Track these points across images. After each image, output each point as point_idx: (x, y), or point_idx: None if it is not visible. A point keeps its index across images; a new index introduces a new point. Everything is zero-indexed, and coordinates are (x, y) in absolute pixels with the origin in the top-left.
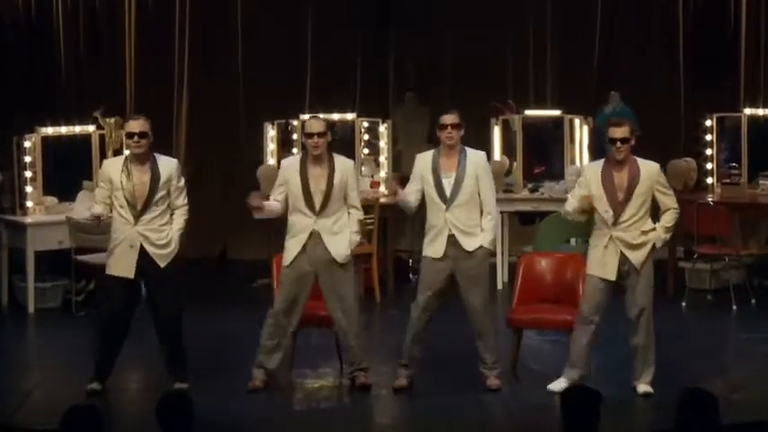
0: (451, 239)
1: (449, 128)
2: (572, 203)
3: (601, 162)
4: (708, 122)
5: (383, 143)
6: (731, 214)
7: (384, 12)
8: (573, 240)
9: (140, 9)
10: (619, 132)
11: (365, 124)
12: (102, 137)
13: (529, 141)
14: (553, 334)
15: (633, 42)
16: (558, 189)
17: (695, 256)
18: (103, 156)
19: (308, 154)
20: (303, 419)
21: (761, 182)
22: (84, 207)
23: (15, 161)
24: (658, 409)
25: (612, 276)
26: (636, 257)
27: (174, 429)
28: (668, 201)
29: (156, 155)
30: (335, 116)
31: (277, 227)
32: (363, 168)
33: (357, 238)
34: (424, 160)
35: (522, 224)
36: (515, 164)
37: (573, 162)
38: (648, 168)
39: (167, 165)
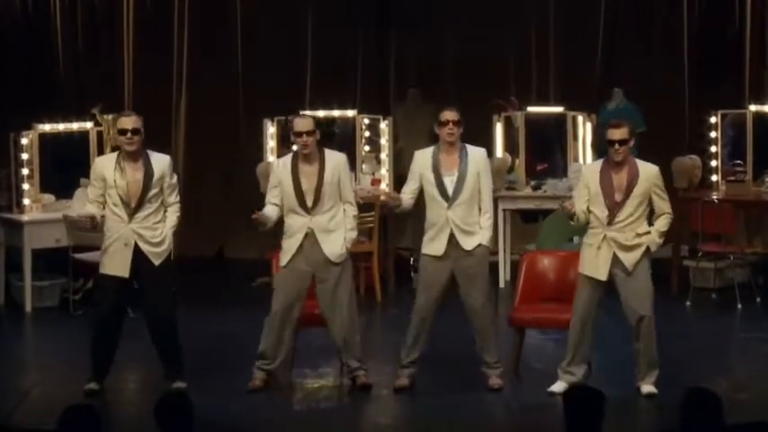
0: (452, 238)
1: (450, 124)
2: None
3: (600, 162)
4: (712, 119)
5: (384, 140)
6: (736, 212)
7: (384, 10)
8: (576, 239)
9: (139, 5)
10: (617, 134)
11: (366, 121)
12: (99, 134)
13: (531, 138)
14: (555, 333)
15: (637, 38)
16: (561, 186)
17: (699, 254)
18: (101, 153)
19: (299, 153)
20: (303, 419)
21: (766, 179)
22: (81, 205)
23: (12, 158)
24: (662, 409)
25: (603, 277)
26: (628, 259)
27: (172, 430)
28: (663, 205)
29: (149, 151)
30: (336, 113)
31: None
32: (364, 166)
33: (353, 234)
34: (423, 158)
35: (524, 222)
36: (518, 161)
37: (576, 159)
38: (647, 170)
39: (160, 161)
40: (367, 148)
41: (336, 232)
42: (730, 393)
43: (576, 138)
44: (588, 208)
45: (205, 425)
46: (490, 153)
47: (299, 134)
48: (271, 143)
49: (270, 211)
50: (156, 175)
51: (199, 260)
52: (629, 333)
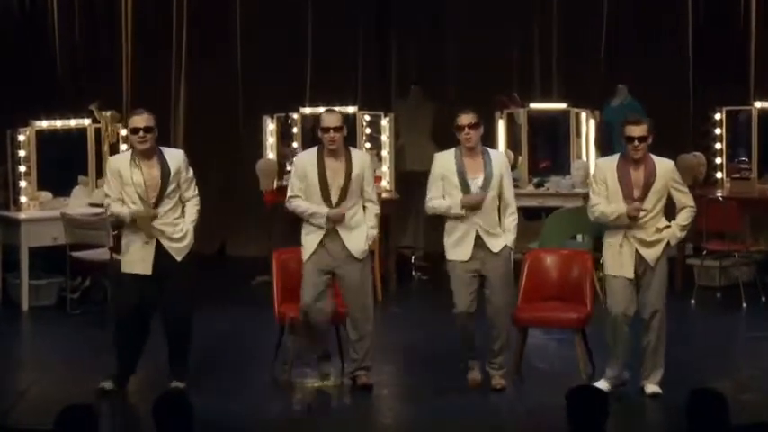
0: (478, 241)
1: (466, 128)
2: (608, 207)
3: (615, 158)
4: (717, 116)
5: (385, 137)
6: (741, 210)
7: (385, 6)
8: (579, 237)
9: (138, 1)
10: (637, 131)
11: (367, 118)
12: (97, 131)
13: (534, 135)
14: (559, 332)
15: (641, 34)
16: (564, 184)
17: (704, 252)
18: (99, 150)
19: (324, 148)
20: (303, 419)
21: None
22: (79, 202)
23: (9, 155)
24: (667, 409)
25: (630, 274)
26: (650, 255)
27: (171, 430)
28: (685, 199)
29: (162, 148)
30: (336, 109)
31: (276, 223)
32: None
33: (374, 232)
34: (444, 161)
35: (527, 220)
36: (520, 158)
37: (579, 157)
38: (664, 166)
39: (175, 157)
40: (368, 145)
41: (358, 229)
42: (735, 393)
43: (579, 135)
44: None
45: (204, 425)
46: None
47: (327, 129)
48: (271, 140)
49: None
50: (173, 170)
51: (199, 258)
52: (633, 333)
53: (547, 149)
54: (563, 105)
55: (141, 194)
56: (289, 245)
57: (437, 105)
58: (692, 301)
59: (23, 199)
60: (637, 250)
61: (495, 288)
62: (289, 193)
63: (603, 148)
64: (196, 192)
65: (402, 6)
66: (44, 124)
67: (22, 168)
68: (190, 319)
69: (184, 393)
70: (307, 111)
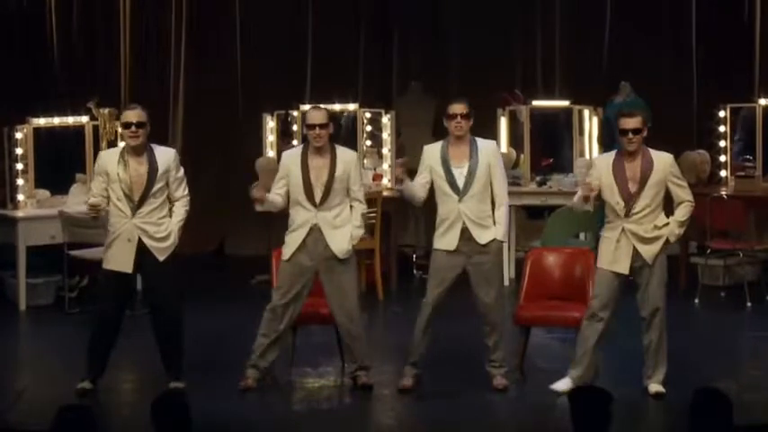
0: (465, 232)
1: (458, 117)
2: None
3: (613, 153)
4: (721, 113)
5: (386, 134)
6: (745, 208)
7: (386, 2)
8: (582, 235)
9: None
10: (631, 123)
11: (367, 115)
12: (95, 128)
13: (537, 133)
14: (562, 332)
15: (644, 31)
16: (567, 182)
17: (708, 251)
18: (97, 147)
19: (310, 145)
20: (303, 419)
21: None
22: (77, 200)
23: (6, 153)
24: (670, 409)
25: (625, 271)
26: (648, 252)
27: (169, 430)
28: (682, 193)
29: (153, 145)
30: (337, 106)
31: (276, 222)
32: (365, 160)
33: (360, 232)
34: (432, 151)
35: (529, 218)
36: (523, 156)
37: (582, 154)
38: (662, 159)
39: (165, 155)
40: (369, 142)
41: (343, 228)
42: (739, 393)
43: (582, 132)
44: (600, 199)
45: (203, 425)
46: None
47: (312, 126)
48: (270, 137)
49: (273, 196)
50: (161, 169)
51: (198, 256)
52: (635, 331)
53: (549, 147)
54: (566, 102)
55: (126, 192)
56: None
57: (438, 102)
58: (696, 301)
59: (21, 197)
60: (634, 246)
61: (480, 283)
62: (272, 191)
63: (606, 145)
64: (186, 192)
65: (403, 2)
66: (42, 121)
67: (20, 166)
68: (179, 319)
69: (183, 393)
70: (307, 108)
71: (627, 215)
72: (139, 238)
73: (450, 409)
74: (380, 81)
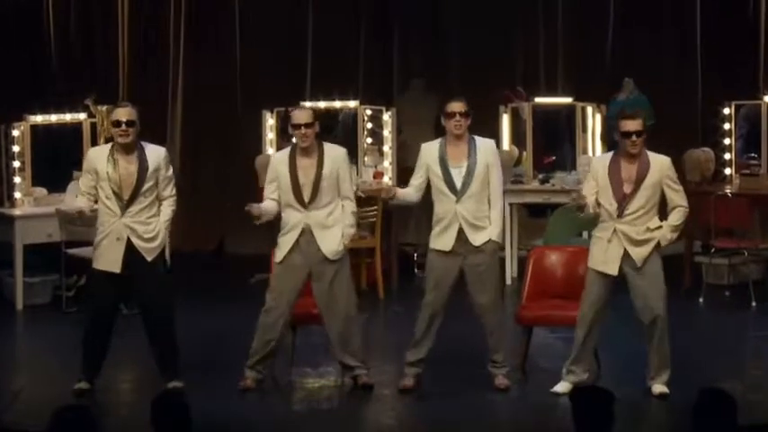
0: (461, 234)
1: (457, 116)
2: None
3: (610, 154)
4: (726, 110)
5: (387, 132)
6: (750, 206)
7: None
8: (585, 233)
9: None
10: (633, 125)
11: (368, 112)
12: (93, 125)
13: (539, 130)
14: (564, 331)
15: (648, 27)
16: (570, 180)
17: (713, 250)
18: (95, 145)
19: (297, 146)
20: (303, 420)
21: None
22: (74, 199)
23: (3, 150)
24: (674, 409)
25: (614, 271)
26: (637, 254)
27: (169, 431)
28: (677, 198)
29: (144, 143)
30: (338, 103)
31: (276, 220)
32: (366, 158)
33: (351, 231)
34: (429, 150)
35: (531, 216)
36: (525, 154)
37: (585, 152)
38: (659, 161)
39: (155, 154)
40: (369, 140)
41: (334, 228)
42: (744, 394)
43: (585, 130)
44: (597, 201)
45: (203, 425)
46: (496, 145)
47: (298, 126)
48: (270, 135)
49: (268, 204)
50: (151, 167)
51: (197, 255)
52: (638, 331)
53: (552, 144)
54: (568, 99)
55: (116, 190)
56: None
57: (439, 99)
58: (701, 300)
59: (18, 195)
60: (625, 248)
61: (476, 285)
62: (264, 195)
63: (610, 143)
64: (174, 191)
65: None
66: (39, 119)
67: (17, 164)
68: (170, 318)
69: (182, 393)
70: (307, 105)
71: (619, 216)
72: (128, 238)
73: (451, 410)
74: (381, 78)
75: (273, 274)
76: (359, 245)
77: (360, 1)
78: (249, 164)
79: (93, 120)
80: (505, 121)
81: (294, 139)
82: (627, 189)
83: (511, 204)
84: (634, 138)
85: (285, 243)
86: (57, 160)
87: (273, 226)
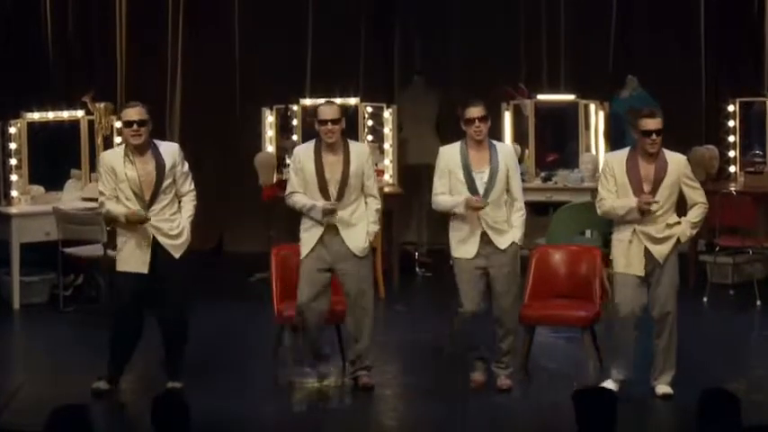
0: (484, 237)
1: (476, 121)
2: (617, 201)
3: (624, 152)
4: (730, 108)
5: (388, 129)
6: (755, 204)
7: None
8: (588, 232)
9: None
10: (653, 124)
11: (369, 109)
12: (91, 123)
13: (541, 127)
14: (566, 331)
15: (651, 23)
16: (573, 178)
17: (717, 248)
18: (93, 143)
19: (322, 141)
20: (303, 420)
21: None
22: (72, 197)
23: (0, 148)
24: (678, 410)
25: (640, 272)
26: (659, 252)
27: (168, 430)
28: (696, 195)
29: (156, 141)
30: (338, 100)
31: (275, 218)
32: None
33: (375, 228)
34: (450, 154)
35: (534, 215)
36: (527, 151)
37: (588, 149)
38: (676, 160)
39: (170, 150)
40: (370, 137)
41: (359, 225)
42: (748, 394)
43: (588, 127)
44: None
45: (203, 426)
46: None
47: (324, 122)
48: (269, 133)
49: (302, 198)
50: (168, 164)
51: (196, 254)
52: (642, 331)
53: (555, 142)
54: (571, 96)
55: (136, 191)
56: (288, 240)
57: (441, 96)
58: (705, 299)
59: (14, 193)
60: (646, 247)
61: (501, 287)
62: (288, 189)
63: (613, 140)
64: (192, 186)
65: None
66: (36, 116)
67: (13, 161)
68: (186, 319)
69: (182, 394)
70: (307, 102)
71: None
72: (154, 237)
73: (453, 410)
74: (382, 75)
75: (302, 271)
76: None
77: (359, 3)
78: (249, 162)
79: (91, 117)
80: (507, 118)
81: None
82: (646, 188)
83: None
84: (654, 137)
85: (309, 239)
86: (54, 158)
87: (273, 223)
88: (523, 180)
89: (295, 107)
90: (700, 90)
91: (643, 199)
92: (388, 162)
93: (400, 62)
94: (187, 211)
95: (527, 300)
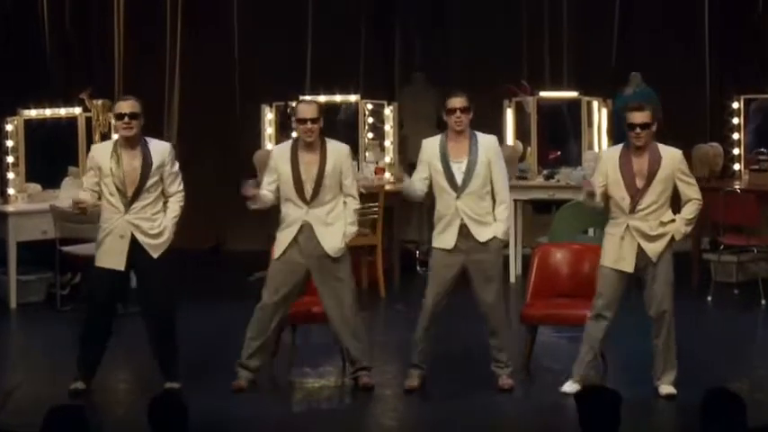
0: (463, 229)
1: (457, 112)
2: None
3: (620, 147)
4: (735, 105)
5: (388, 127)
6: (759, 202)
7: None
8: (591, 231)
9: None
10: (638, 117)
11: (369, 106)
12: (88, 120)
13: (544, 125)
14: (569, 330)
15: (655, 20)
16: (576, 176)
17: (721, 247)
18: (90, 140)
19: (300, 140)
20: (303, 421)
21: None
22: (69, 195)
23: None
24: (682, 410)
25: (630, 269)
26: (652, 249)
27: (167, 431)
28: (690, 191)
29: (148, 138)
30: (338, 98)
31: (275, 216)
32: (367, 154)
33: (353, 229)
34: (430, 146)
35: (536, 213)
36: (529, 149)
37: (590, 147)
38: (670, 154)
39: (160, 149)
40: (370, 135)
41: (335, 225)
42: (753, 394)
43: (590, 124)
44: (607, 195)
45: (202, 426)
46: (500, 140)
47: (303, 121)
48: (269, 130)
49: (264, 193)
50: (156, 163)
51: (195, 253)
52: (645, 330)
53: (557, 139)
54: (574, 93)
55: (119, 186)
56: None
57: (442, 93)
58: (709, 298)
59: (11, 191)
60: (639, 244)
61: (480, 283)
62: (261, 185)
63: (616, 137)
64: (181, 187)
65: None
66: (33, 113)
67: (10, 159)
68: (172, 317)
69: (179, 394)
70: (307, 99)
71: (632, 211)
72: (132, 235)
73: (454, 410)
74: (382, 72)
75: (270, 271)
76: (360, 242)
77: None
78: (248, 159)
79: (89, 114)
80: (509, 115)
81: (295, 134)
82: (639, 183)
83: (515, 201)
84: (638, 130)
85: (284, 239)
86: (51, 156)
87: (273, 222)
88: (525, 178)
89: (295, 104)
90: (704, 87)
91: (587, 184)
92: (388, 160)
93: (401, 59)
94: (172, 212)
95: (529, 299)
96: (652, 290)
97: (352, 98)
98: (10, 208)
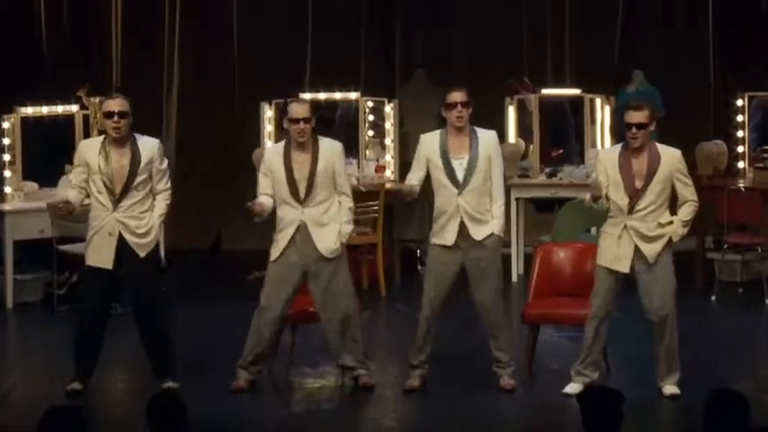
0: (462, 227)
1: (458, 106)
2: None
3: (618, 147)
4: (739, 102)
5: (389, 124)
6: (764, 201)
7: None
8: (593, 229)
9: None
10: (636, 117)
11: (370, 104)
12: (86, 117)
13: (546, 123)
14: (571, 330)
15: (658, 16)
16: (578, 174)
17: (725, 246)
18: (87, 138)
19: (293, 140)
20: (303, 421)
21: None
22: (66, 193)
23: None
24: (685, 410)
25: (626, 269)
26: (649, 251)
27: (165, 431)
28: (687, 192)
29: (137, 135)
30: (338, 95)
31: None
32: (368, 152)
33: (349, 228)
34: (429, 142)
35: (538, 212)
36: (531, 147)
37: (593, 145)
38: (669, 154)
39: (149, 146)
40: (371, 132)
41: (330, 225)
42: (757, 394)
43: (593, 122)
44: (607, 195)
45: (201, 426)
46: (502, 138)
47: (296, 121)
48: (268, 128)
49: (264, 200)
50: (144, 160)
51: (194, 252)
52: (648, 330)
53: (559, 137)
54: (576, 91)
55: (107, 184)
56: None
57: (443, 89)
58: (713, 297)
59: (8, 189)
60: (636, 245)
61: (478, 280)
62: (258, 191)
63: (619, 135)
64: (168, 185)
65: None
66: (30, 111)
67: (7, 157)
68: (162, 316)
69: (178, 393)
70: (307, 97)
71: (630, 212)
72: (120, 233)
73: (455, 411)
74: (383, 69)
75: (268, 273)
76: (360, 241)
77: None
78: (247, 157)
79: (86, 112)
80: (511, 113)
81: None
82: (638, 184)
83: (517, 199)
84: (634, 130)
85: (280, 241)
86: (48, 154)
87: (272, 221)
88: (528, 176)
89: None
90: (708, 84)
91: (594, 187)
92: (389, 157)
93: (401, 56)
94: (159, 210)
95: (531, 298)
96: (651, 293)
97: (353, 95)
98: (7, 206)
